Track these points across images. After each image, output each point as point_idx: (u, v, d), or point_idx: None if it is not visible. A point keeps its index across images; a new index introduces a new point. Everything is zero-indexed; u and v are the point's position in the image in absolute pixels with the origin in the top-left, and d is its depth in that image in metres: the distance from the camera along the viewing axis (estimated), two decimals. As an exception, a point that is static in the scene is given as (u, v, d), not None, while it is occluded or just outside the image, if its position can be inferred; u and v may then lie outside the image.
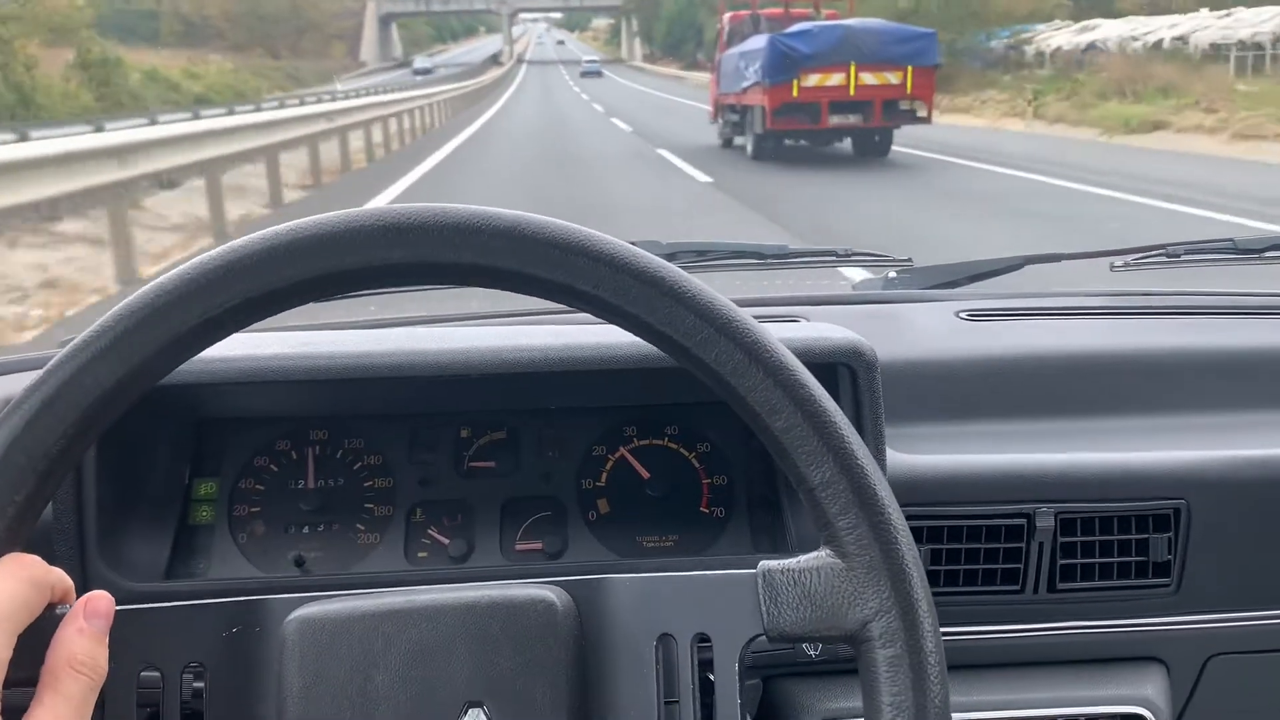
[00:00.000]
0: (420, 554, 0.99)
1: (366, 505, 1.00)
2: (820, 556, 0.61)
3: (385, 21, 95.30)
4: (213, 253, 0.59)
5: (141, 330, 0.58)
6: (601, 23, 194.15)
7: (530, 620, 0.65)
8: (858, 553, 0.60)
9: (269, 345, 0.95)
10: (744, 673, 0.65)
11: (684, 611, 0.66)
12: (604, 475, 1.03)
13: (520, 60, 67.05)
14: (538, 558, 0.99)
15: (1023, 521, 1.01)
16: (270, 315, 0.61)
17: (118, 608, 0.64)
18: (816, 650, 0.90)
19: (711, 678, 0.67)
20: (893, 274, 1.49)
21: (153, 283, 0.59)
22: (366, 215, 0.60)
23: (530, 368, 0.94)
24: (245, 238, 0.60)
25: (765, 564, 0.63)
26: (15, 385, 1.01)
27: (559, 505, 1.01)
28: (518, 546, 1.00)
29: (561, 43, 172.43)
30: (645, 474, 1.02)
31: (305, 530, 0.99)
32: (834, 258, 1.39)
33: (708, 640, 0.66)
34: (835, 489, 0.60)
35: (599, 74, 73.01)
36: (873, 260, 1.46)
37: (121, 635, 0.63)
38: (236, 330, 0.61)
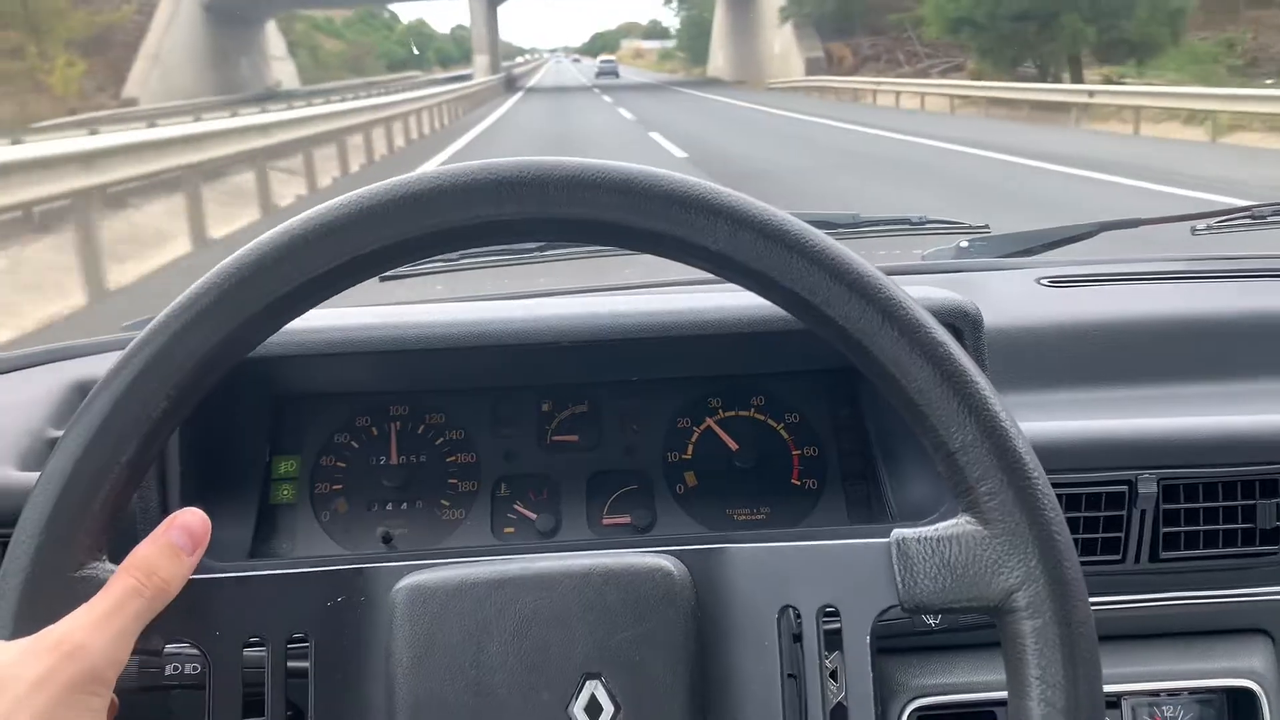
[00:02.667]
0: (507, 529, 0.97)
1: (450, 481, 0.99)
2: (959, 524, 0.58)
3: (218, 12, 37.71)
4: (314, 210, 0.58)
5: (249, 286, 0.57)
6: (637, 44, 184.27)
7: (648, 590, 0.63)
8: (1001, 519, 0.57)
9: (349, 318, 0.94)
10: (875, 645, 0.62)
11: (808, 582, 0.63)
12: (690, 448, 1.00)
13: (514, 87, 44.84)
14: (626, 532, 0.97)
15: (1124, 489, 0.97)
16: (392, 268, 0.60)
17: (223, 575, 0.63)
18: (937, 619, 0.87)
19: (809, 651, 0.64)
20: (965, 243, 1.45)
21: (268, 234, 0.58)
22: (480, 169, 0.58)
23: (614, 334, 0.92)
24: (363, 190, 0.58)
25: (899, 531, 0.60)
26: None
27: (645, 479, 0.99)
28: (605, 520, 0.98)
29: (577, 60, 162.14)
30: (734, 445, 1.00)
31: (389, 507, 0.98)
32: (908, 226, 1.36)
33: (834, 612, 0.63)
34: (976, 452, 0.57)
35: (615, 74, 71.86)
36: (948, 228, 1.42)
37: (225, 604, 0.62)
38: (334, 294, 0.60)
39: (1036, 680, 0.56)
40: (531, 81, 57.59)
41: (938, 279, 1.32)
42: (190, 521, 0.61)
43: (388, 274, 1.32)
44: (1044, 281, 1.28)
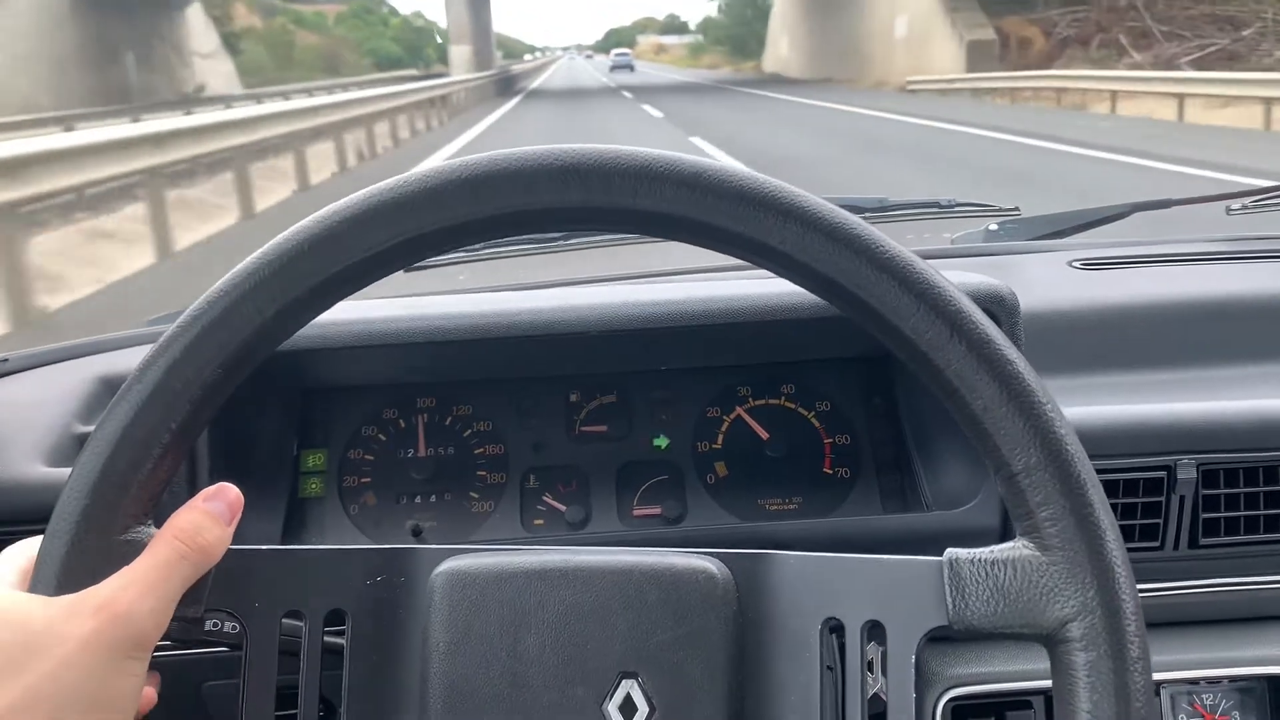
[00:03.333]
0: (536, 521, 0.97)
1: (479, 473, 0.98)
2: (1016, 548, 0.57)
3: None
4: (367, 191, 0.57)
5: (309, 258, 0.57)
6: (654, 39, 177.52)
7: (690, 591, 0.62)
8: (1060, 546, 0.56)
9: (376, 309, 0.93)
10: (920, 666, 0.61)
11: (855, 596, 0.61)
12: (720, 437, 0.99)
13: (511, 90, 35.37)
14: (657, 523, 0.96)
15: (1163, 474, 0.96)
16: (452, 249, 0.59)
17: (264, 548, 0.63)
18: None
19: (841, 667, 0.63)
20: (994, 225, 1.43)
21: (328, 208, 0.58)
22: (544, 154, 0.57)
23: (643, 323, 0.91)
24: (427, 170, 0.57)
25: (953, 551, 0.59)
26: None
27: (675, 469, 0.98)
28: (636, 512, 0.97)
29: (590, 56, 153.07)
30: (764, 434, 0.99)
31: (418, 500, 0.97)
32: (937, 209, 1.34)
33: (879, 629, 0.61)
34: (1039, 476, 0.55)
35: (631, 68, 69.38)
36: (977, 211, 1.40)
37: (265, 577, 0.62)
38: (391, 272, 0.59)
39: (1087, 714, 0.54)
40: (536, 82, 44.47)
41: (967, 263, 1.30)
42: (227, 493, 0.62)
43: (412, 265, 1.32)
44: (1076, 264, 1.26)
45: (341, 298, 0.59)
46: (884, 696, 0.63)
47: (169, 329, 0.58)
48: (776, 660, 0.62)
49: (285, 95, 22.91)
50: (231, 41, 40.34)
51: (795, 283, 0.59)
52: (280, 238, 0.58)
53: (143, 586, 0.56)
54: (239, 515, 0.62)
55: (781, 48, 47.65)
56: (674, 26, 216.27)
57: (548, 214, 0.57)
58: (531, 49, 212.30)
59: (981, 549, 0.58)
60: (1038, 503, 0.56)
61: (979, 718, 0.94)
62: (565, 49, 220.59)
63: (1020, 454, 0.56)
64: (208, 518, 0.60)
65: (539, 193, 0.56)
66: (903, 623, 0.60)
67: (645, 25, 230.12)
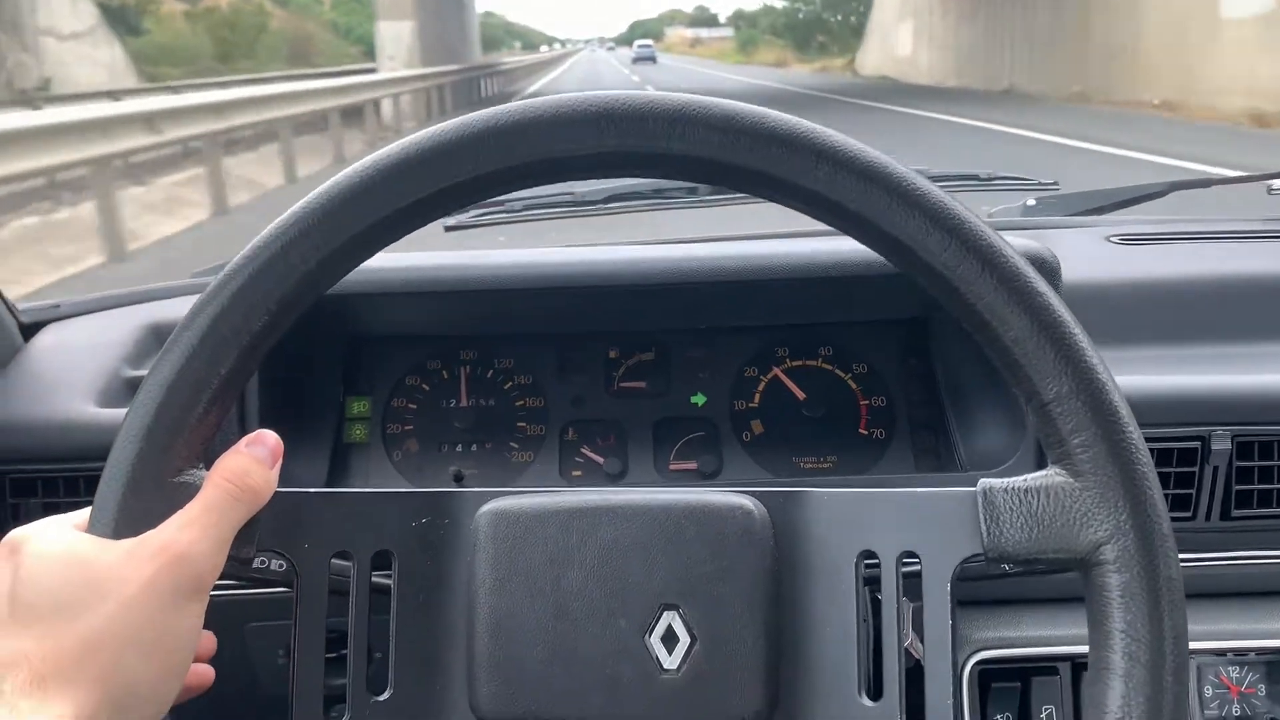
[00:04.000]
0: (575, 472, 0.98)
1: (519, 424, 1.00)
2: (1049, 475, 0.58)
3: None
4: (425, 133, 0.58)
5: (354, 205, 0.58)
6: (681, 31, 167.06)
7: (728, 527, 0.63)
8: (1092, 471, 0.56)
9: (421, 259, 0.95)
10: (955, 592, 0.62)
11: (889, 528, 0.63)
12: (757, 396, 1.01)
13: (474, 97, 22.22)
14: (693, 477, 0.98)
15: (1196, 445, 0.96)
16: (491, 196, 0.60)
17: (312, 490, 0.65)
18: (1012, 567, 0.87)
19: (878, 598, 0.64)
20: (1032, 200, 1.43)
21: (370, 157, 0.59)
22: (581, 101, 0.58)
23: (683, 279, 0.92)
24: (464, 118, 0.58)
25: (986, 481, 0.60)
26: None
27: (712, 426, 1.00)
28: (672, 466, 0.99)
29: (611, 48, 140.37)
30: (801, 395, 1.00)
31: (459, 448, 0.99)
32: (976, 182, 1.34)
33: (913, 559, 0.62)
34: (1070, 404, 0.56)
35: (653, 59, 65.83)
36: (1016, 185, 1.40)
37: (314, 518, 0.64)
38: (431, 220, 0.60)
39: (1121, 633, 0.55)
40: (539, 83, 33.55)
41: (1005, 235, 1.31)
42: (266, 438, 0.63)
43: (452, 224, 1.33)
44: (1114, 239, 1.26)
45: (382, 247, 0.60)
46: (914, 652, 0.65)
47: (216, 278, 0.60)
48: (813, 592, 0.63)
49: (175, 90, 15.79)
50: (132, 19, 30.16)
51: (830, 224, 0.60)
52: (322, 188, 0.59)
53: (199, 529, 0.58)
54: (280, 459, 0.63)
55: (900, 41, 32.07)
56: (703, 19, 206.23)
57: (583, 159, 0.58)
58: (550, 40, 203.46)
59: (1015, 478, 0.59)
60: (1069, 430, 0.56)
61: (1005, 681, 0.95)
62: (587, 41, 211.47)
63: (1052, 382, 0.56)
64: (252, 461, 0.61)
65: (580, 138, 0.57)
66: (938, 551, 0.61)
67: (672, 17, 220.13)
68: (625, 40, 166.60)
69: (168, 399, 0.58)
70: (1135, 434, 0.57)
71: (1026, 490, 0.59)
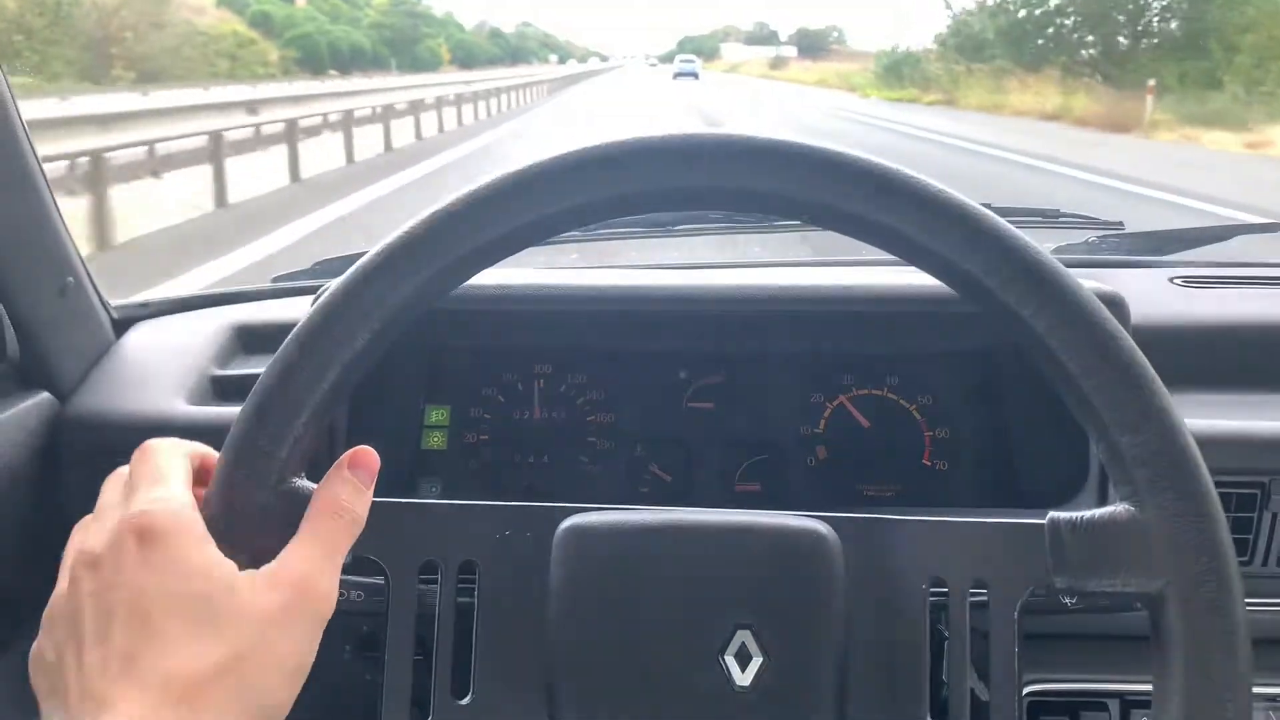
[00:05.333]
0: (642, 489, 1.01)
1: (589, 439, 1.03)
2: (1117, 510, 0.60)
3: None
4: (533, 163, 0.62)
5: (454, 235, 0.61)
6: (742, 51, 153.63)
7: (801, 549, 0.65)
8: (1162, 510, 0.58)
9: (504, 278, 0.98)
10: (1022, 622, 0.64)
11: (958, 558, 0.65)
12: (822, 422, 1.03)
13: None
14: (758, 499, 1.00)
15: (1256, 491, 0.97)
16: (583, 225, 0.63)
17: (403, 501, 0.68)
18: (1074, 599, 0.89)
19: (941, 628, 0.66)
20: (1096, 238, 1.44)
21: (473, 186, 0.62)
22: (660, 141, 0.61)
23: (754, 305, 0.95)
24: (562, 153, 0.61)
25: (1054, 515, 0.62)
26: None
27: (777, 449, 1.02)
28: (737, 487, 1.01)
29: (654, 64, 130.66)
30: (865, 423, 1.02)
31: (531, 460, 1.03)
32: (1041, 218, 1.36)
33: (982, 588, 0.64)
34: (1141, 444, 0.58)
35: (695, 75, 63.35)
36: (1082, 223, 1.42)
37: (405, 528, 0.67)
38: (528, 246, 0.64)
39: (1185, 671, 0.57)
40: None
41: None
42: (365, 459, 0.65)
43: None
44: (1178, 280, 1.27)
45: (481, 270, 0.63)
46: (978, 692, 0.67)
47: (333, 282, 0.63)
48: (884, 616, 0.65)
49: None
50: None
51: (909, 261, 0.62)
52: (427, 213, 0.62)
53: (322, 562, 0.60)
54: (376, 477, 0.66)
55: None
56: (760, 37, 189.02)
57: (669, 194, 0.62)
58: (586, 55, 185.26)
59: (1083, 512, 0.61)
60: (1139, 469, 0.58)
61: (1054, 715, 0.97)
62: (630, 57, 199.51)
63: (1122, 418, 0.58)
64: (355, 487, 0.63)
65: (662, 176, 0.61)
66: (1006, 581, 0.63)
67: (727, 33, 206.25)
68: (669, 58, 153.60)
69: (273, 408, 0.60)
70: (1204, 473, 0.58)
71: (1094, 525, 0.60)
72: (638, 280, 0.98)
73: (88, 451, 1.05)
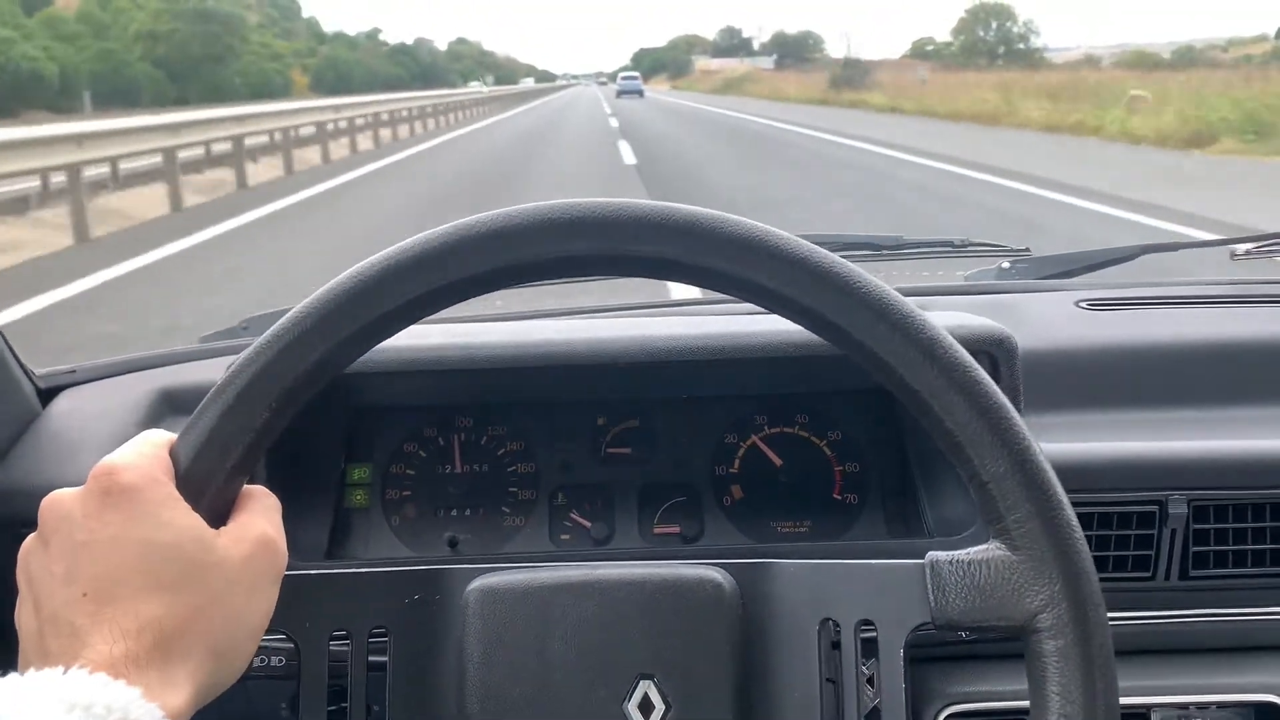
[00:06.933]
0: (563, 536, 1.03)
1: (510, 489, 1.05)
2: (990, 549, 0.63)
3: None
4: (428, 234, 0.64)
5: (347, 310, 0.63)
6: (714, 63, 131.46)
7: (699, 598, 0.68)
8: (1028, 546, 0.61)
9: (422, 337, 1.00)
10: (909, 657, 0.67)
11: (848, 597, 0.68)
12: (737, 462, 1.06)
13: None
14: (675, 541, 1.03)
15: (1154, 509, 1.01)
16: (480, 294, 0.66)
17: (312, 571, 0.70)
18: (968, 634, 0.92)
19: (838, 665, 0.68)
20: (1006, 264, 1.49)
21: (366, 261, 0.64)
22: (553, 209, 0.64)
23: (668, 356, 0.98)
24: (457, 224, 0.64)
25: (933, 554, 0.65)
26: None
27: (694, 491, 1.05)
28: (656, 530, 1.04)
29: (604, 83, 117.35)
30: (778, 461, 1.05)
31: (454, 513, 1.04)
32: (950, 249, 1.40)
33: (871, 626, 0.68)
34: (1007, 484, 0.61)
35: (640, 93, 59.77)
36: (989, 250, 1.47)
37: (314, 598, 0.69)
38: (426, 315, 0.66)
39: (1057, 696, 0.60)
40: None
41: (979, 300, 1.36)
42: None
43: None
44: (1083, 304, 1.32)
45: (379, 341, 0.66)
46: (880, 710, 0.70)
47: (222, 379, 0.64)
48: (780, 658, 0.69)
49: None
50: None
51: (786, 318, 0.65)
52: (324, 289, 0.64)
53: (273, 526, 0.64)
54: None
55: None
56: (729, 46, 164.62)
57: (559, 262, 0.64)
58: (529, 74, 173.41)
59: (959, 551, 0.64)
60: (1006, 507, 0.62)
61: None
62: (575, 77, 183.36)
63: (990, 464, 0.61)
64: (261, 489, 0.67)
65: (552, 244, 0.63)
66: (891, 619, 0.67)
67: (691, 44, 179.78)
68: (615, 77, 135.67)
69: (202, 452, 0.62)
70: (1067, 510, 0.62)
71: (970, 563, 0.64)
72: (553, 337, 1.01)
73: (9, 523, 1.05)
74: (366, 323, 0.63)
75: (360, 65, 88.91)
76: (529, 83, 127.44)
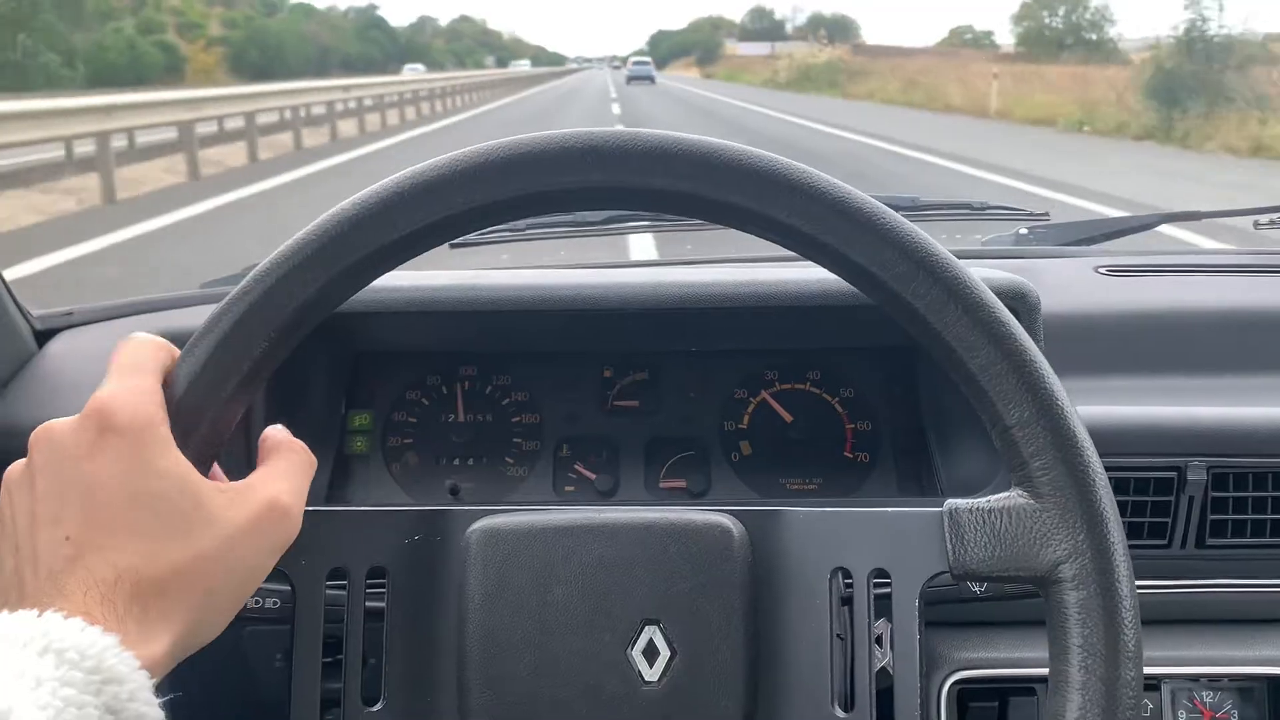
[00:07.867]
0: (568, 488, 1.01)
1: (514, 440, 1.03)
2: (1011, 496, 0.61)
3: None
4: (445, 158, 0.61)
5: (351, 238, 0.60)
6: (735, 48, 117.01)
7: (707, 544, 0.66)
8: (1052, 493, 0.59)
9: (426, 279, 0.98)
10: (923, 610, 0.65)
11: (861, 546, 0.66)
12: (746, 417, 1.04)
13: None
14: (682, 496, 1.01)
15: (1173, 475, 0.99)
16: (485, 227, 0.63)
17: (309, 509, 0.67)
18: (983, 587, 0.90)
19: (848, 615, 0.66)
20: (1024, 229, 1.46)
21: (369, 189, 0.61)
22: (572, 137, 0.61)
23: (677, 304, 0.95)
24: (458, 152, 0.61)
25: (952, 502, 0.63)
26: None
27: (702, 445, 1.03)
28: (662, 484, 1.02)
29: (617, 66, 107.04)
30: (788, 417, 1.03)
31: (456, 462, 1.02)
32: (969, 210, 1.37)
33: (885, 576, 0.65)
34: (1032, 429, 0.59)
35: (651, 79, 57.20)
36: (1009, 215, 1.44)
37: (311, 537, 0.66)
38: (425, 250, 0.63)
39: (1078, 648, 0.58)
40: None
41: (996, 264, 1.34)
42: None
43: (458, 242, 1.37)
44: (1102, 270, 1.29)
45: (388, 269, 0.63)
46: (890, 670, 0.67)
47: (218, 308, 0.62)
48: (789, 608, 0.66)
49: None
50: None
51: (804, 256, 0.63)
52: (330, 213, 0.62)
53: (290, 489, 0.62)
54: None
55: None
56: (757, 30, 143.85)
57: (578, 193, 0.61)
58: (538, 57, 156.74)
59: (979, 499, 0.62)
60: (1030, 453, 0.59)
61: (983, 701, 0.98)
62: (587, 60, 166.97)
63: (1014, 408, 0.59)
64: (290, 436, 0.65)
65: (571, 173, 0.60)
66: (906, 568, 0.64)
67: (716, 26, 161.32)
68: (628, 58, 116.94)
69: (194, 384, 0.60)
70: (1093, 458, 0.60)
71: (990, 511, 0.61)
72: (561, 281, 0.98)
73: (3, 462, 1.03)
74: (370, 251, 0.61)
75: (306, 41, 75.39)
76: (524, 66, 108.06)
